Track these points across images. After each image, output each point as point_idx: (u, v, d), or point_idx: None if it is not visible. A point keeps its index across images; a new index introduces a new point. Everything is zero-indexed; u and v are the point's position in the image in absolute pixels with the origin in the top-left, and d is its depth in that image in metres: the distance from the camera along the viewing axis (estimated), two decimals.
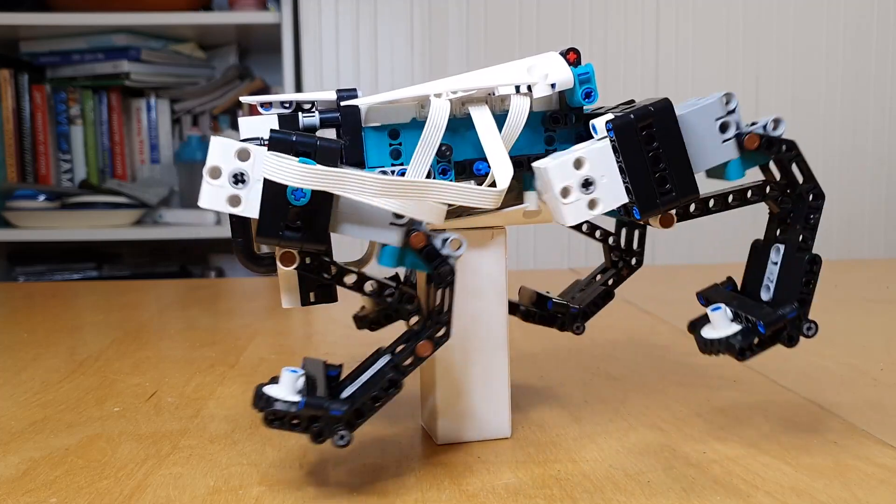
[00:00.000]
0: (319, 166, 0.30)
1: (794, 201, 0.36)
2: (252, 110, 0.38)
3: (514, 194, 0.37)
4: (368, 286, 0.33)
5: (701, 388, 0.48)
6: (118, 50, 1.63)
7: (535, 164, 0.34)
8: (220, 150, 0.31)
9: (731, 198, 0.36)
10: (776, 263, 0.36)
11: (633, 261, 0.44)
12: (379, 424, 0.42)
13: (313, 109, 0.37)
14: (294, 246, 0.32)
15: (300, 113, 0.37)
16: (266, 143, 0.31)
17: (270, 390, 0.32)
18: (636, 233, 0.44)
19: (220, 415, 0.44)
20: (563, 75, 0.35)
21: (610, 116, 0.33)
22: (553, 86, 0.34)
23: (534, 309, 0.44)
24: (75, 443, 0.40)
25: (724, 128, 0.34)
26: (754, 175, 0.36)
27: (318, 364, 0.33)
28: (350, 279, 0.33)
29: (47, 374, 0.54)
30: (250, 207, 0.31)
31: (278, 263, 0.32)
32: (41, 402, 0.47)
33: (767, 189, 0.36)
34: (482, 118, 0.35)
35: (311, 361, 0.34)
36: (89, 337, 0.66)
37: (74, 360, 0.58)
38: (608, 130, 0.33)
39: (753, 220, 0.38)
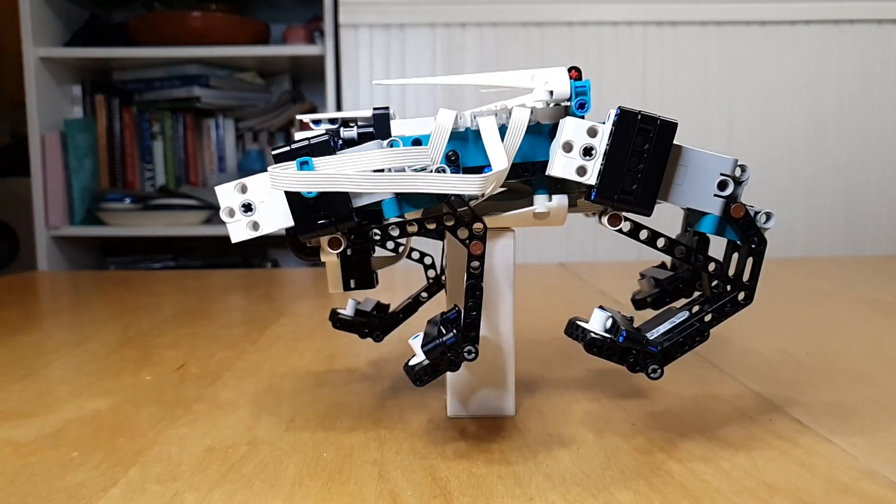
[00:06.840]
0: (314, 172, 0.29)
1: (726, 289, 0.32)
2: (303, 126, 0.37)
3: (526, 199, 0.35)
4: (411, 227, 0.31)
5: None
6: (191, 78, 1.65)
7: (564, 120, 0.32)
8: (225, 194, 0.31)
9: (677, 249, 0.32)
10: (672, 322, 0.33)
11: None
12: (407, 394, 0.41)
13: (352, 125, 0.35)
14: (330, 231, 0.30)
15: (342, 128, 0.35)
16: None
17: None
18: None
19: (231, 384, 0.44)
20: (562, 84, 0.33)
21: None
22: (551, 93, 0.32)
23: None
24: (107, 406, 0.40)
25: (722, 185, 0.31)
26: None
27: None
28: (395, 231, 0.31)
29: (100, 346, 0.54)
30: (268, 225, 0.31)
31: (327, 250, 0.31)
32: (88, 370, 0.48)
33: (711, 266, 0.32)
34: (488, 125, 0.33)
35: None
36: (144, 316, 0.67)
37: (125, 336, 0.58)
38: (615, 114, 0.30)
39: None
